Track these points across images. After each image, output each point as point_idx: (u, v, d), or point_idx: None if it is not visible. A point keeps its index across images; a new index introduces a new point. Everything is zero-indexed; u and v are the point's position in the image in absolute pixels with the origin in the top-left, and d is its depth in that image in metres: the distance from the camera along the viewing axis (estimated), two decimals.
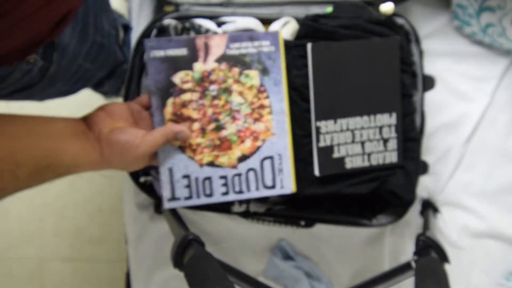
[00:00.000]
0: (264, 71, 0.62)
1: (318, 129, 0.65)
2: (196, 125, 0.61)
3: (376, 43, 0.65)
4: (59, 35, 0.60)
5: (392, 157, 0.66)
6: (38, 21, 0.50)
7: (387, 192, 0.67)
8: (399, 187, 0.66)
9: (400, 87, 0.66)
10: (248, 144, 0.62)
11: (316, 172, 0.65)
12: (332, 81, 0.64)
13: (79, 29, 0.65)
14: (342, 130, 0.65)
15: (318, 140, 0.65)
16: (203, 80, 0.61)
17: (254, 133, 0.62)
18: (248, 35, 0.62)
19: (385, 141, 0.66)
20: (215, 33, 0.68)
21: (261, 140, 0.63)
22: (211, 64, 0.61)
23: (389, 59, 0.65)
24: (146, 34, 0.71)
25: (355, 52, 0.64)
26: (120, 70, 0.87)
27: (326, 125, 0.65)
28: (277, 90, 0.62)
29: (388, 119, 0.66)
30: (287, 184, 0.63)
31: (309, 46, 0.64)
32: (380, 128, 0.66)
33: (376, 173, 0.67)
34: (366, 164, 0.66)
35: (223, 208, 0.72)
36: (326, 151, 0.65)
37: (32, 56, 0.58)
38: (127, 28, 0.88)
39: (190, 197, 0.62)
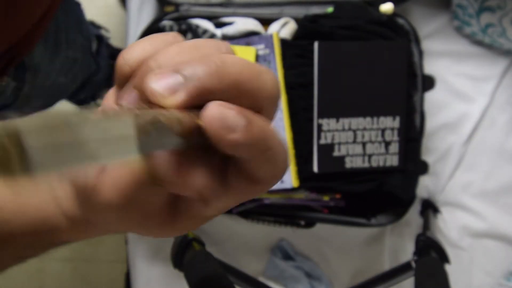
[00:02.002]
0: None
1: (319, 126, 0.65)
2: None
3: (384, 46, 0.65)
4: (28, 54, 0.59)
5: (393, 161, 0.66)
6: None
7: (386, 192, 0.67)
8: (398, 188, 0.66)
9: (406, 92, 0.66)
10: None
11: (315, 168, 0.65)
12: (337, 80, 0.64)
13: (50, 46, 0.65)
14: (344, 129, 0.65)
15: (319, 137, 0.65)
16: None
17: None
18: (244, 41, 0.65)
19: (387, 144, 0.66)
20: (213, 34, 0.69)
21: None
22: None
23: (397, 63, 0.65)
24: (146, 35, 0.71)
25: (362, 53, 0.64)
26: (94, 80, 0.87)
27: (328, 123, 0.65)
28: None
29: (391, 122, 0.65)
30: (287, 179, 0.65)
31: (316, 44, 0.64)
32: (383, 130, 0.66)
33: (375, 175, 0.67)
34: (366, 165, 0.66)
35: None
36: (327, 149, 0.65)
37: (3, 78, 0.58)
38: (101, 38, 0.89)
39: None
